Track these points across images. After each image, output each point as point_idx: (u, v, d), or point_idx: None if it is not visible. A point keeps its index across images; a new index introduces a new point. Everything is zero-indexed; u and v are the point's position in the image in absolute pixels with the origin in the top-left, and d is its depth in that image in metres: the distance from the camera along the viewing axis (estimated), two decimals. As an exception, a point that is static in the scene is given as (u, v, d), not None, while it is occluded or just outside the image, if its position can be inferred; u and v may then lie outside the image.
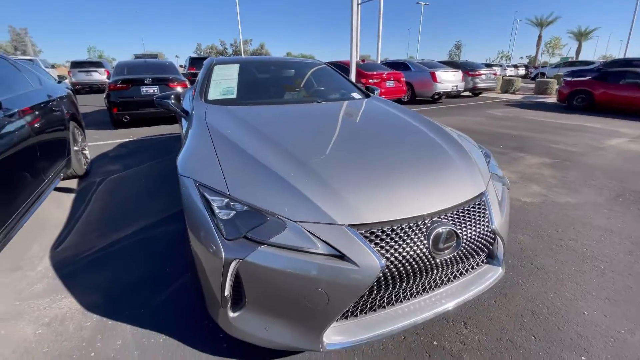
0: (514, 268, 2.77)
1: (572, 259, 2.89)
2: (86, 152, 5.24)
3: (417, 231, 1.76)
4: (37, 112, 3.59)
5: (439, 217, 1.84)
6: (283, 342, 1.71)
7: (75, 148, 4.62)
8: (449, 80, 13.77)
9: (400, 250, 1.71)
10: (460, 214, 1.91)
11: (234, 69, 3.89)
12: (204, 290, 1.80)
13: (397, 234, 1.72)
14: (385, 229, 1.71)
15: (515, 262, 2.84)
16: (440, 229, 1.78)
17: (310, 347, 1.70)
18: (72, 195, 4.15)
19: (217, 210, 1.72)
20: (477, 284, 2.03)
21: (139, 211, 3.66)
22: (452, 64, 16.34)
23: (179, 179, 1.99)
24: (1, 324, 2.25)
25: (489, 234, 1.98)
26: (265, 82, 3.91)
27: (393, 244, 1.70)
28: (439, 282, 1.95)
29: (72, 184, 4.53)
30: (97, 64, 19.34)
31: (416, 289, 1.89)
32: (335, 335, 1.72)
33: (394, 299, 1.85)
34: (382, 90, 11.64)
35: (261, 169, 1.93)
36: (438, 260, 1.80)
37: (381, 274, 1.66)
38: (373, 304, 1.81)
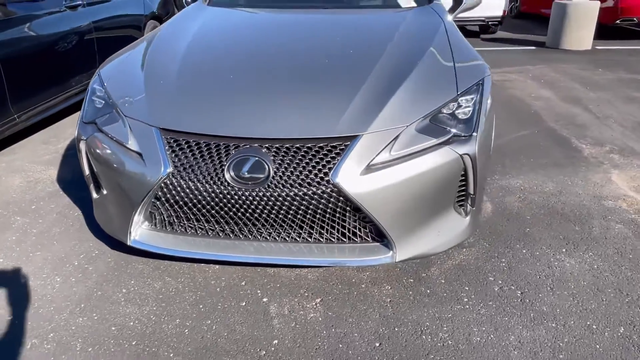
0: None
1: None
2: None
3: (222, 151, 1.74)
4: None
5: (261, 146, 1.73)
6: (108, 227, 2.05)
7: None
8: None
9: (193, 162, 1.74)
10: (295, 151, 1.71)
11: None
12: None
13: (199, 148, 1.76)
14: (191, 141, 1.77)
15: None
16: (246, 156, 1.70)
17: (120, 236, 1.95)
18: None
19: (93, 97, 2.11)
20: (335, 254, 1.80)
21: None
22: None
23: None
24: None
25: (326, 186, 1.68)
26: None
27: (190, 155, 1.75)
28: (283, 233, 1.85)
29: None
30: None
31: (245, 226, 1.84)
32: (146, 237, 1.90)
33: (217, 228, 1.86)
34: None
35: (147, 68, 2.19)
36: (234, 185, 1.69)
37: (168, 180, 1.75)
38: (186, 216, 1.85)
